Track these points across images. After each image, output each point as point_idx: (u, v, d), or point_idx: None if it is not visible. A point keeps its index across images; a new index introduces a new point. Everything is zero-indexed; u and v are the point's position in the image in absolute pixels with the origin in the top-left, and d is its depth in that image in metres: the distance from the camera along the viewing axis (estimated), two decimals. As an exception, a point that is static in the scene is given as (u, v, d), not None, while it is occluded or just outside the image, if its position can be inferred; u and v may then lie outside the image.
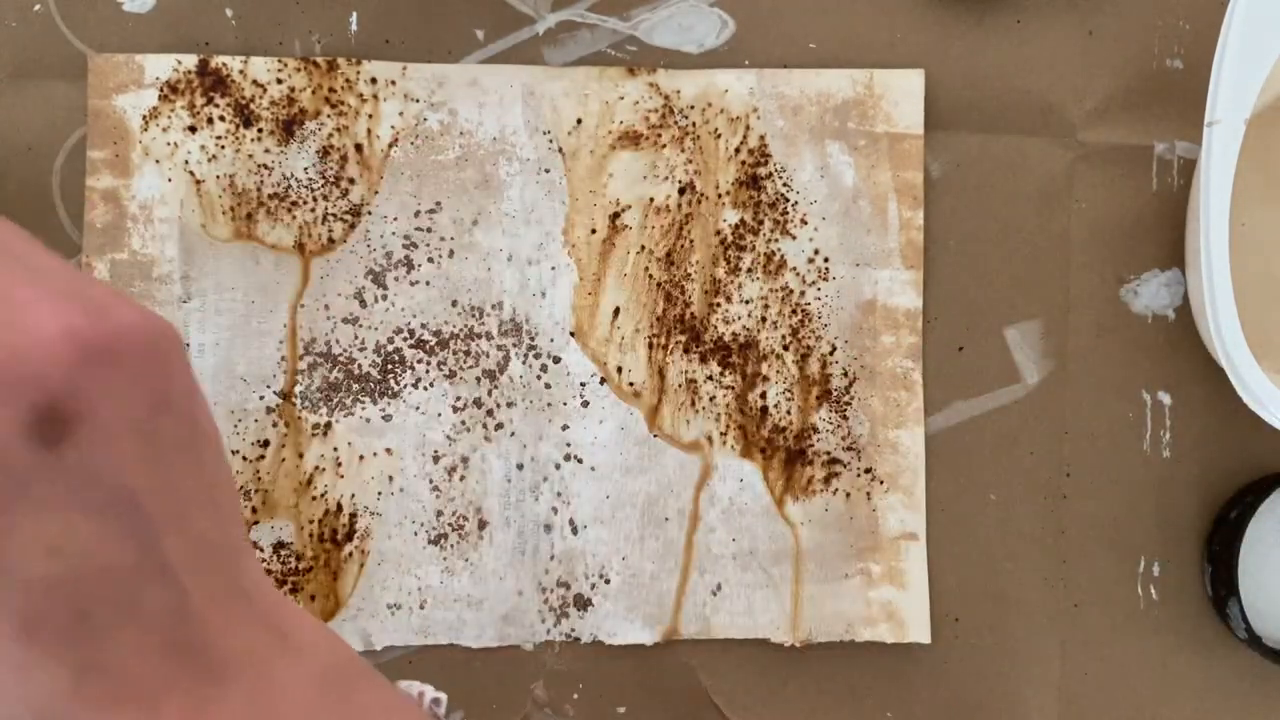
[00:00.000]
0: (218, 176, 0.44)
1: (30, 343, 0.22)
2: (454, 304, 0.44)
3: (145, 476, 0.24)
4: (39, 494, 0.23)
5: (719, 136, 0.45)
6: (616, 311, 0.45)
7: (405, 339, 0.44)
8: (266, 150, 0.44)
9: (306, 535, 0.44)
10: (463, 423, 0.44)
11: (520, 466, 0.44)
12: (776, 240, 0.45)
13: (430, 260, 0.44)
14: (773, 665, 0.45)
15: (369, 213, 0.44)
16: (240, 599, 0.26)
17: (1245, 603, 0.43)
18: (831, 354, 0.45)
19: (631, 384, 0.45)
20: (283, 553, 0.43)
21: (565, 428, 0.44)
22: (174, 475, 0.25)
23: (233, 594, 0.26)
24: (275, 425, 0.44)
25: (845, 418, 0.45)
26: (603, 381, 0.44)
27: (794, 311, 0.45)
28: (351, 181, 0.44)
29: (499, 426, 0.44)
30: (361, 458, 0.44)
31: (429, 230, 0.44)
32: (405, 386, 0.44)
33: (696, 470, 0.44)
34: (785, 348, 0.45)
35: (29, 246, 0.24)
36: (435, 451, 0.44)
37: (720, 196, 0.45)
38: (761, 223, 0.45)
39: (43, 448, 0.23)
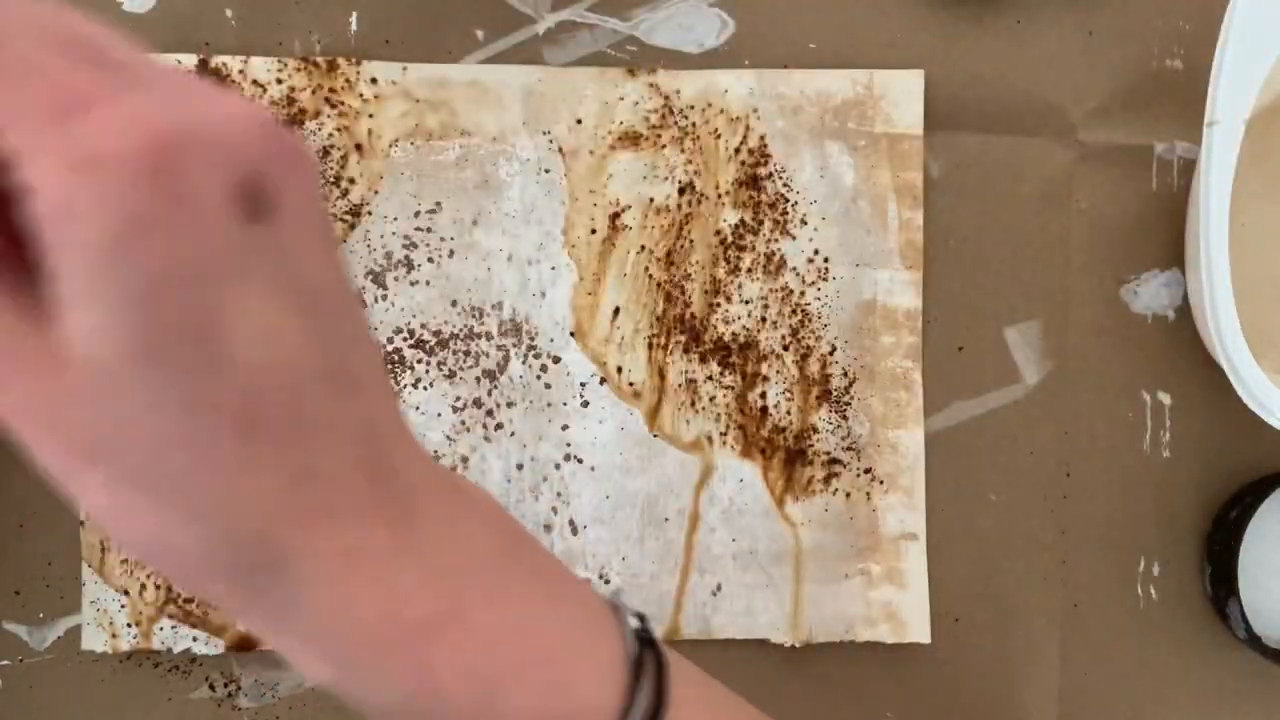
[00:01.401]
0: (218, 176, 0.44)
1: (227, 117, 0.21)
2: (454, 304, 0.44)
3: (332, 278, 0.23)
4: (250, 273, 0.21)
5: (719, 137, 0.45)
6: (616, 311, 0.45)
7: (405, 339, 0.44)
8: (266, 150, 0.44)
9: (306, 535, 0.43)
10: (462, 423, 0.44)
11: (520, 466, 0.44)
12: (776, 240, 0.45)
13: (430, 260, 0.44)
14: (773, 665, 0.45)
15: (369, 213, 0.44)
16: (410, 437, 0.25)
17: (1245, 603, 0.43)
18: (831, 354, 0.45)
19: (631, 384, 0.45)
20: (283, 553, 0.43)
21: (565, 428, 0.44)
22: (349, 286, 0.24)
23: (406, 429, 0.25)
24: (275, 425, 0.44)
25: (845, 418, 0.45)
26: (603, 381, 0.44)
27: (794, 311, 0.45)
28: (351, 181, 0.44)
29: (499, 426, 0.44)
30: (361, 458, 0.44)
31: (429, 230, 0.44)
32: (405, 386, 0.44)
33: (696, 470, 0.44)
34: (785, 348, 0.45)
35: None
36: (435, 451, 0.44)
37: (720, 196, 0.45)
38: (761, 223, 0.45)
39: (248, 224, 0.21)
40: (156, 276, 0.20)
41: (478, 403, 0.44)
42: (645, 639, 0.28)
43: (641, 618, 0.29)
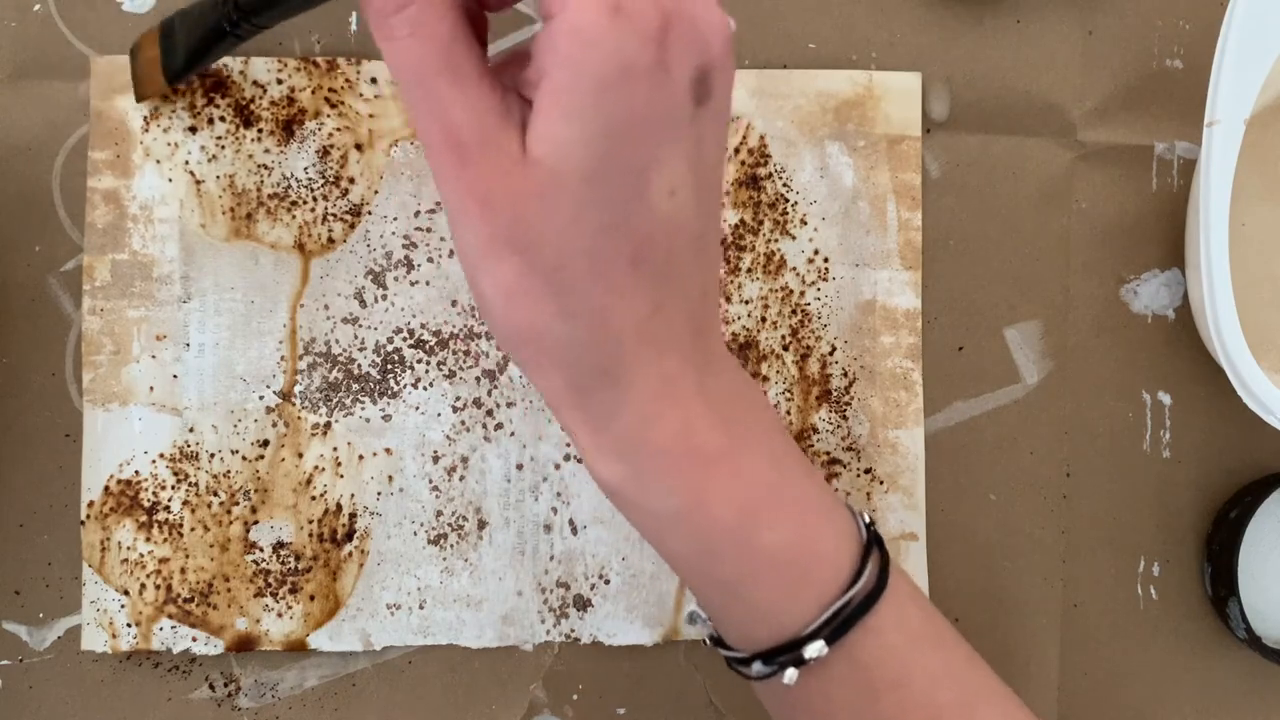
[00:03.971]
0: (218, 176, 0.44)
1: (706, 10, 0.27)
2: (454, 304, 0.44)
3: (719, 165, 0.28)
4: (680, 144, 0.26)
5: (719, 136, 0.45)
6: (616, 311, 0.45)
7: (405, 339, 0.44)
8: (266, 150, 0.44)
9: (306, 535, 0.43)
10: (462, 423, 0.44)
11: (520, 466, 0.44)
12: (776, 240, 0.45)
13: (430, 260, 0.44)
14: (773, 665, 0.45)
15: (369, 213, 0.44)
16: (718, 308, 0.32)
17: (1245, 603, 0.43)
18: (831, 354, 0.45)
19: (631, 384, 0.44)
20: (282, 552, 0.43)
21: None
22: (723, 174, 0.30)
23: (719, 300, 0.32)
24: (275, 425, 0.44)
25: (845, 418, 0.45)
26: (602, 381, 0.44)
27: (794, 311, 0.45)
28: (351, 181, 0.44)
29: (499, 426, 0.44)
30: (361, 458, 0.44)
31: (429, 230, 0.44)
32: (405, 386, 0.44)
33: (696, 470, 0.44)
34: (785, 348, 0.45)
35: None
36: (435, 451, 0.44)
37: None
38: (761, 223, 0.45)
39: (693, 103, 0.26)
40: (628, 118, 0.25)
41: (478, 403, 0.44)
42: (876, 536, 0.33)
43: (871, 522, 0.33)
